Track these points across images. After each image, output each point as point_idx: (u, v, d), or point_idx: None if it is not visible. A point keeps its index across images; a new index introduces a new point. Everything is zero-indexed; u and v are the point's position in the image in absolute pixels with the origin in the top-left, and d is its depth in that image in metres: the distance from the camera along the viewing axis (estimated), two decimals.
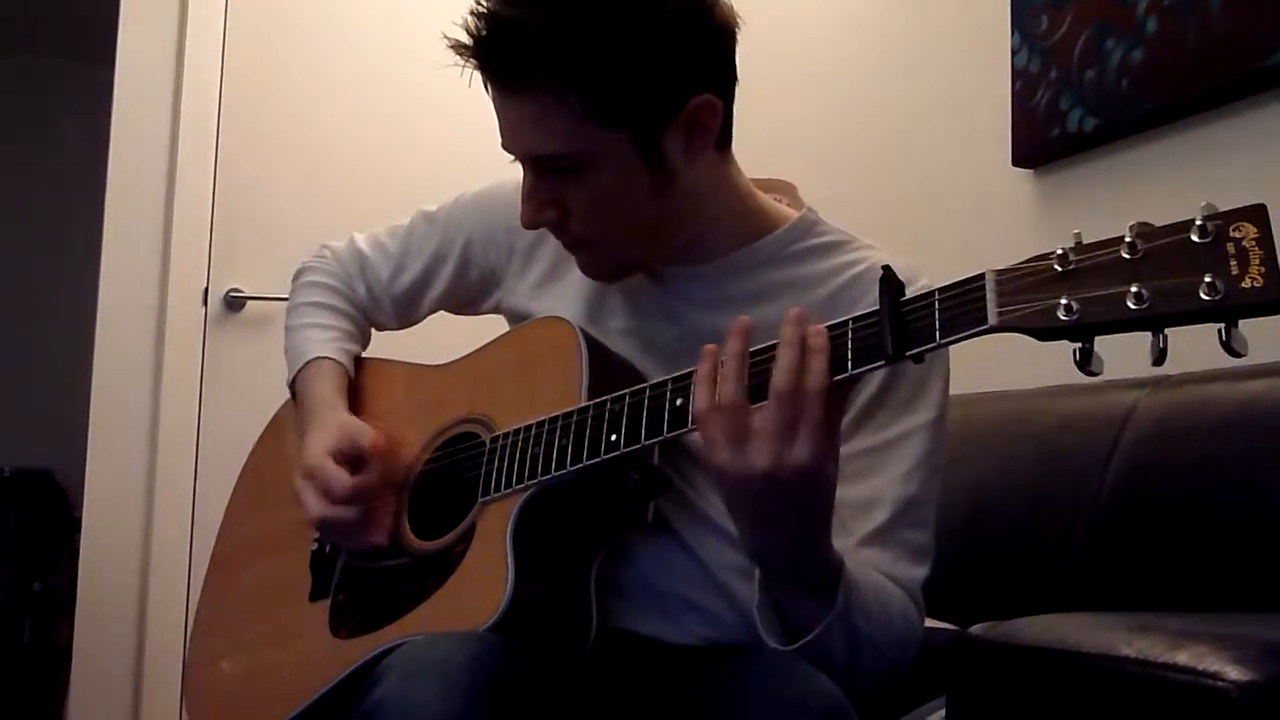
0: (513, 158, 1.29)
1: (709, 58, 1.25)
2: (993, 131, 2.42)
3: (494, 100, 1.25)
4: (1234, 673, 1.05)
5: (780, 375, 1.01)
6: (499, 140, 1.27)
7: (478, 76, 1.24)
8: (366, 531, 1.36)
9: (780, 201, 1.41)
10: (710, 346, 1.08)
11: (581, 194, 1.25)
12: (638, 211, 1.28)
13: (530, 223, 1.29)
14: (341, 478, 1.35)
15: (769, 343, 1.05)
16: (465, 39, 1.21)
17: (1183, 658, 1.09)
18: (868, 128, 2.97)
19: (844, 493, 1.08)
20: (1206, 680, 1.06)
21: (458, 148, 3.23)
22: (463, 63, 1.23)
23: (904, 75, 2.85)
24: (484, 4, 1.20)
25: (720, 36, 1.25)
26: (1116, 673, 1.15)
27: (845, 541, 1.16)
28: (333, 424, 1.42)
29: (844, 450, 1.15)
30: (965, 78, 2.60)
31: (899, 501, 1.24)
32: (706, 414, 1.05)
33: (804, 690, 1.09)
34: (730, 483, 1.05)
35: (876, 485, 1.24)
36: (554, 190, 1.26)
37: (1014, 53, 2.36)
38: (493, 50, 1.20)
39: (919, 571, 1.25)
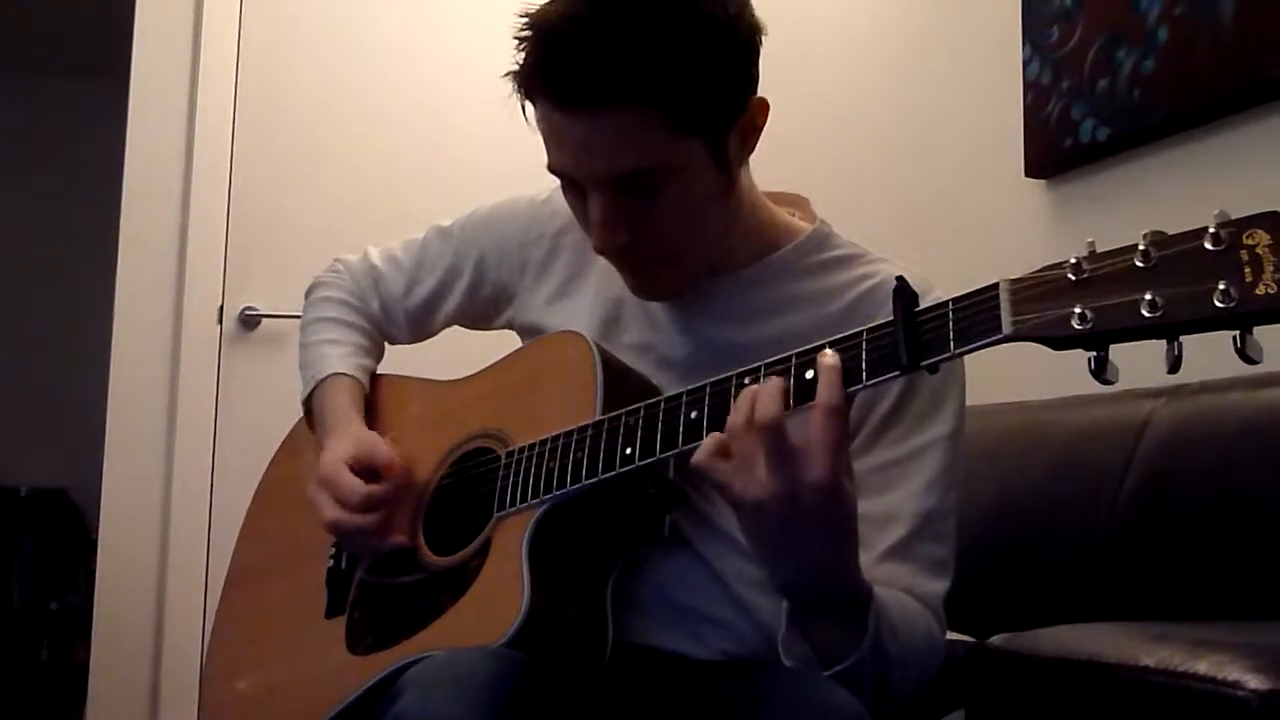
0: (560, 180, 1.27)
1: (758, 58, 1.25)
2: (1005, 142, 2.42)
3: (556, 124, 1.20)
4: (1254, 681, 1.05)
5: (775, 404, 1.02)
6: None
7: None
8: (382, 537, 1.36)
9: (793, 215, 1.41)
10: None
11: (658, 208, 1.22)
12: (710, 219, 1.28)
13: (606, 247, 1.25)
14: (356, 485, 1.35)
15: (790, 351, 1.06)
16: (529, 64, 1.19)
17: (1203, 667, 1.10)
18: (880, 140, 2.97)
19: (863, 508, 1.08)
20: (1227, 689, 1.06)
21: (472, 164, 3.26)
22: (516, 89, 1.22)
23: (916, 87, 2.85)
24: (547, 26, 1.17)
25: (760, 36, 1.25)
26: (1137, 682, 1.15)
27: (865, 557, 1.15)
28: (351, 435, 1.43)
29: (862, 465, 1.15)
30: (977, 89, 2.60)
31: (918, 516, 1.24)
32: (709, 463, 1.06)
33: (825, 704, 1.09)
34: (749, 517, 1.06)
35: (895, 499, 1.24)
36: (629, 210, 1.22)
37: (1025, 64, 2.37)
38: (569, 71, 1.16)
39: (939, 585, 1.25)
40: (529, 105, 1.24)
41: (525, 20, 1.20)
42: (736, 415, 1.04)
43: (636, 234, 1.23)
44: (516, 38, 1.21)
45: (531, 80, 1.20)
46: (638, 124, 1.17)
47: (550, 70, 1.17)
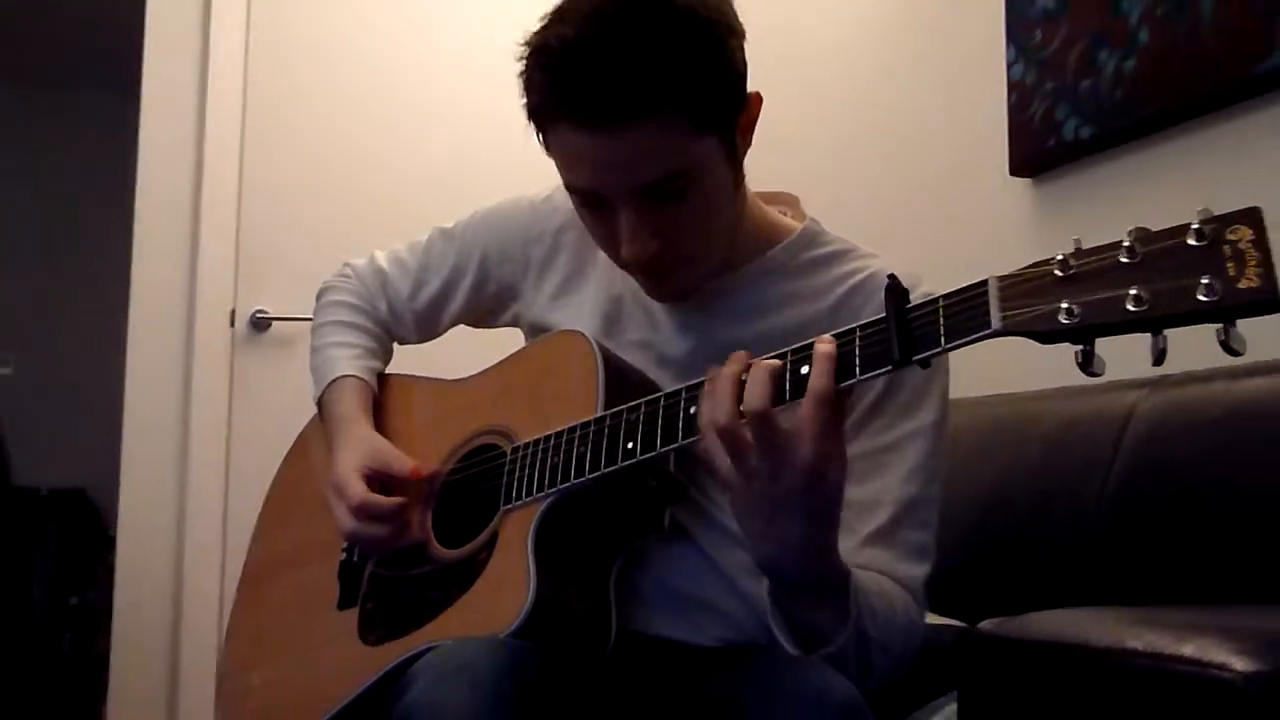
0: (578, 199, 1.29)
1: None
2: (990, 142, 2.43)
3: (582, 145, 1.20)
4: (1239, 663, 1.06)
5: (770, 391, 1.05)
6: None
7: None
8: (394, 541, 1.39)
9: (784, 213, 1.44)
10: (712, 370, 1.11)
11: (684, 211, 1.24)
12: (726, 216, 1.30)
13: (638, 258, 1.25)
14: (370, 498, 1.38)
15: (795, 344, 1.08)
16: (546, 90, 1.20)
17: (1189, 649, 1.10)
18: (867, 139, 2.98)
19: (847, 494, 1.11)
20: (1213, 671, 1.07)
21: (479, 169, 3.26)
22: (530, 119, 1.24)
23: (901, 88, 2.86)
24: (558, 50, 1.18)
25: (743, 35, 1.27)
26: (1125, 666, 1.15)
27: (848, 541, 1.18)
28: (363, 441, 1.45)
29: (848, 452, 1.18)
30: (961, 90, 2.61)
31: (901, 502, 1.27)
32: (706, 427, 1.08)
33: (820, 687, 1.11)
34: (737, 491, 1.09)
35: (879, 487, 1.27)
36: (656, 218, 1.23)
37: (1009, 65, 2.37)
38: (592, 91, 1.16)
39: (920, 570, 1.27)
40: (542, 133, 1.25)
41: (529, 49, 1.22)
42: (725, 402, 1.07)
43: (664, 240, 1.25)
44: (524, 68, 1.22)
45: (551, 105, 1.20)
46: (663, 131, 1.18)
47: (571, 93, 1.18)
